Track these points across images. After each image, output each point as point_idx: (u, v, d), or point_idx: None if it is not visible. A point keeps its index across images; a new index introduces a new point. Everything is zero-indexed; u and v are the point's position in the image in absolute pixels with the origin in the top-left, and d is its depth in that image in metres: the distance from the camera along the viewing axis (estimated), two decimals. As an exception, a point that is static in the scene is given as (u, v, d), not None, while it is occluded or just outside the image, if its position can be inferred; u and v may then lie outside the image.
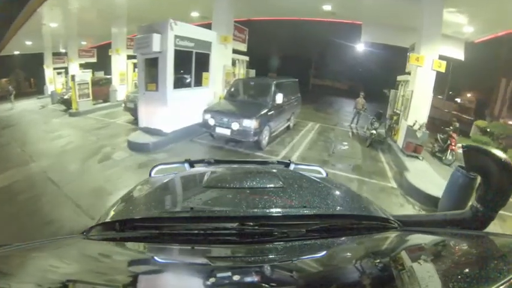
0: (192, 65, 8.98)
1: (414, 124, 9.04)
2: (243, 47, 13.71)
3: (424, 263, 1.05)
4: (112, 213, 1.50)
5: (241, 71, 14.16)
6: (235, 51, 12.76)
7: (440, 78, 9.21)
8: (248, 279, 0.96)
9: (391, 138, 11.35)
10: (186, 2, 13.68)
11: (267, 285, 0.90)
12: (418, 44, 9.40)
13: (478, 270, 0.94)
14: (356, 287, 0.98)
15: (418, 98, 9.24)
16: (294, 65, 33.44)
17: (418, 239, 1.41)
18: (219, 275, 1.00)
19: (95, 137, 9.46)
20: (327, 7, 12.31)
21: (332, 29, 22.92)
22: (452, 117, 12.69)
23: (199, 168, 2.32)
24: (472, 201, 1.52)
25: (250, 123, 7.43)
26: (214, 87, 10.38)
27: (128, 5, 14.23)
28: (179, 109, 8.56)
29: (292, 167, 2.51)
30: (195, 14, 15.26)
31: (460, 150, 8.96)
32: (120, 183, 5.85)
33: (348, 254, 1.31)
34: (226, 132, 7.68)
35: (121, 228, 1.33)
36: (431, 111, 9.73)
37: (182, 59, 8.60)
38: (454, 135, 9.85)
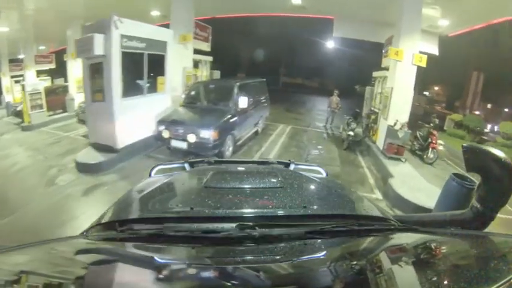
0: (143, 69, 7.86)
1: (395, 124, 8.29)
2: (205, 47, 12.66)
3: (424, 263, 1.10)
4: (112, 213, 1.53)
5: (204, 73, 13.07)
6: (197, 52, 11.77)
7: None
8: (248, 279, 0.98)
9: (370, 139, 10.65)
10: (145, 0, 12.58)
11: (267, 285, 0.96)
12: (396, 37, 8.68)
13: (478, 270, 0.94)
14: (356, 287, 0.98)
15: (398, 96, 8.49)
16: (264, 64, 33.22)
17: (418, 239, 1.42)
18: (219, 275, 1.06)
19: (44, 155, 8.25)
20: (297, 1, 11.50)
21: (303, 25, 22.62)
22: (432, 113, 12.29)
23: (199, 168, 2.34)
24: (472, 201, 1.51)
25: (209, 134, 6.42)
26: (173, 92, 9.28)
27: (83, 5, 12.83)
28: (131, 120, 7.43)
29: (292, 167, 2.49)
30: (155, 13, 14.13)
31: (441, 147, 8.89)
32: (55, 220, 4.76)
33: (348, 254, 1.29)
34: (183, 145, 6.64)
35: (121, 228, 1.33)
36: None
37: (131, 62, 7.48)
38: (435, 132, 9.32)
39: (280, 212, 1.41)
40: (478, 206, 1.46)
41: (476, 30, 11.97)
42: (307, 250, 1.27)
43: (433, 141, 9.03)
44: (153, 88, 8.29)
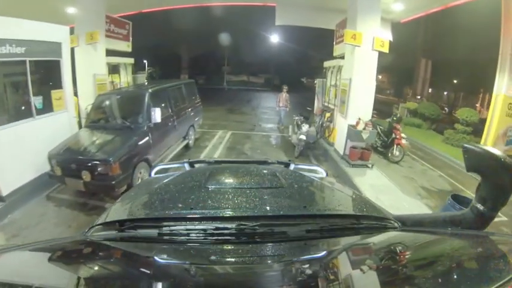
0: (28, 83, 5.82)
1: (358, 123, 6.88)
2: (125, 47, 10.51)
3: (424, 263, 1.11)
4: (112, 213, 1.55)
5: (124, 79, 10.89)
6: (115, 53, 9.78)
7: None
8: (248, 278, 1.03)
9: (326, 140, 9.26)
10: None
11: (267, 285, 1.00)
12: (351, 19, 7.33)
13: (478, 270, 0.98)
14: (356, 286, 0.97)
15: (359, 87, 7.15)
16: (207, 63, 32.43)
17: (418, 238, 1.44)
18: (219, 274, 1.09)
19: None
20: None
21: (245, 19, 21.54)
22: (393, 104, 11.48)
23: (199, 168, 2.34)
24: (472, 201, 1.51)
25: (107, 169, 4.57)
26: (80, 107, 7.31)
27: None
28: (17, 155, 5.42)
29: (292, 167, 2.49)
30: (72, 11, 11.88)
31: (405, 141, 8.04)
32: None
33: (348, 254, 1.29)
34: (79, 186, 4.80)
35: (121, 228, 1.34)
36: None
37: (6, 75, 5.47)
38: (398, 126, 8.20)
39: (280, 212, 1.42)
40: (478, 206, 1.46)
41: (429, 16, 11.79)
42: (307, 250, 1.29)
43: (398, 137, 7.96)
44: (47, 107, 6.26)
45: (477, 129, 10.24)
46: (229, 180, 1.83)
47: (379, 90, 30.51)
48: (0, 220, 5.02)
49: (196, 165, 2.46)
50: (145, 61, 11.19)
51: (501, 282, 0.76)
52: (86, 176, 4.62)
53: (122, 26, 10.27)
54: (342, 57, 8.22)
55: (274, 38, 20.68)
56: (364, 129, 6.77)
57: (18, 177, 5.53)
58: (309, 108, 9.65)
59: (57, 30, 6.52)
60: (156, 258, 1.20)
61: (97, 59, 8.56)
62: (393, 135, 8.07)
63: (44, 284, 0.94)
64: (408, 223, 1.52)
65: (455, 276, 0.93)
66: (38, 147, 5.74)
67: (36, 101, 6.00)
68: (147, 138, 5.52)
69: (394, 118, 8.48)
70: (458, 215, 1.57)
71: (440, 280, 0.91)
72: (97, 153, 4.76)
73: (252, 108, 18.66)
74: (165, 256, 1.24)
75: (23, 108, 5.86)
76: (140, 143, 5.34)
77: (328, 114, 9.27)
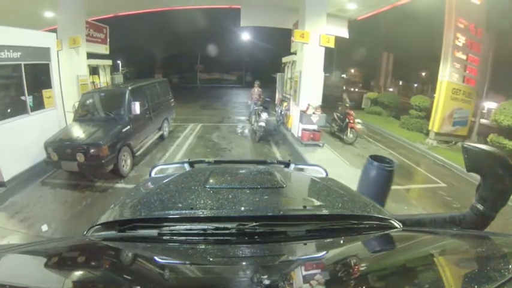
0: (23, 84, 6.74)
1: (308, 108, 8.11)
2: (103, 49, 11.43)
3: (424, 263, 1.10)
4: (112, 213, 1.53)
5: (103, 79, 11.84)
6: (95, 56, 10.61)
7: (326, 55, 8.48)
8: (248, 278, 0.99)
9: (285, 126, 10.46)
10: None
11: (267, 285, 0.92)
12: (301, 20, 8.49)
13: (478, 270, 0.98)
14: (356, 286, 0.98)
15: (308, 78, 8.32)
16: (180, 63, 32.61)
17: (418, 239, 1.42)
18: (219, 274, 1.09)
19: None
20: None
21: (213, 18, 22.32)
22: (343, 93, 12.62)
23: (198, 168, 2.32)
24: (472, 202, 1.52)
25: (98, 151, 5.66)
26: (67, 105, 8.19)
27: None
28: (16, 146, 6.34)
29: (292, 166, 2.50)
30: (49, 14, 12.46)
31: (360, 126, 8.94)
32: None
33: (348, 254, 1.28)
34: (73, 167, 5.83)
35: (121, 228, 1.32)
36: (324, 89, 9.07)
37: (6, 77, 6.36)
38: (351, 112, 9.36)
39: (280, 212, 1.40)
40: (478, 206, 1.47)
41: (382, 14, 12.62)
42: (307, 250, 1.28)
43: (351, 121, 9.08)
44: (40, 104, 7.19)
45: (430, 114, 10.78)
46: (229, 180, 1.79)
47: (352, 83, 32.09)
48: (3, 202, 5.87)
49: (196, 165, 2.45)
50: (119, 62, 11.68)
51: (501, 282, 0.77)
52: (80, 157, 5.63)
53: (100, 30, 11.11)
54: (296, 53, 9.36)
55: (246, 36, 21.35)
56: (313, 113, 7.98)
57: (16, 165, 6.38)
58: (267, 99, 10.46)
59: (46, 36, 7.44)
60: (156, 258, 1.20)
61: (79, 62, 9.30)
62: (347, 120, 9.17)
63: (44, 284, 0.94)
64: (408, 223, 1.51)
65: (455, 276, 0.93)
66: (33, 140, 6.64)
67: (28, 100, 6.94)
68: (128, 127, 6.58)
69: (347, 105, 9.71)
70: (458, 215, 1.57)
71: (440, 280, 0.92)
72: (89, 139, 5.80)
73: (223, 103, 19.46)
74: (165, 256, 1.23)
75: (18, 107, 6.79)
76: (123, 130, 6.40)
77: (285, 104, 10.54)
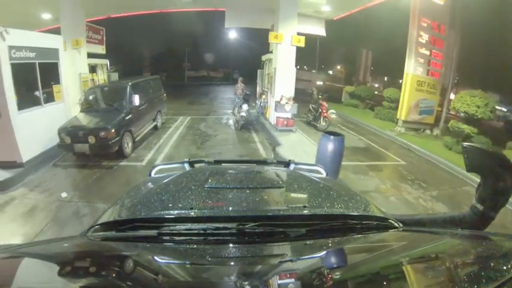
0: (37, 80, 7.88)
1: (281, 99, 9.41)
2: (101, 49, 12.56)
3: (424, 263, 1.09)
4: (112, 213, 1.52)
5: (101, 77, 12.83)
6: (93, 55, 11.63)
7: (311, 54, 9.75)
8: (248, 279, 0.97)
9: (264, 117, 11.70)
10: (34, 2, 11.80)
11: (267, 285, 0.92)
12: (276, 23, 9.75)
13: (478, 270, 0.95)
14: (356, 286, 0.98)
15: (281, 73, 9.60)
16: (168, 61, 33.37)
17: (418, 239, 1.43)
18: (219, 275, 1.05)
19: None
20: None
21: (199, 19, 23.31)
22: (313, 87, 13.83)
23: (198, 168, 2.33)
24: (473, 202, 1.54)
25: (107, 134, 6.90)
26: (71, 99, 9.23)
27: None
28: (32, 132, 7.39)
29: (292, 166, 2.47)
30: (46, 16, 13.38)
31: (333, 116, 10.01)
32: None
33: (348, 254, 1.32)
34: (85, 147, 7.03)
35: (121, 228, 1.32)
36: (306, 84, 10.30)
37: (24, 73, 7.45)
38: (324, 103, 10.55)
39: (281, 212, 1.42)
40: (478, 206, 1.47)
41: (356, 14, 13.66)
42: (307, 250, 1.27)
43: (324, 111, 10.25)
44: (50, 97, 8.32)
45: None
46: (230, 180, 1.81)
47: (336, 79, 33.54)
48: (22, 180, 6.86)
49: (196, 165, 2.46)
50: (107, 60, 12.51)
51: (501, 282, 0.76)
52: (92, 139, 6.80)
53: (97, 32, 12.22)
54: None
55: (232, 35, 22.28)
56: (286, 103, 9.32)
57: (31, 150, 7.40)
58: (248, 93, 11.31)
59: (55, 39, 8.57)
60: (156, 258, 1.20)
61: (81, 61, 10.38)
62: (320, 110, 10.42)
63: (44, 284, 0.95)
64: (408, 223, 1.51)
65: (455, 276, 0.93)
66: (45, 128, 7.69)
67: (42, 94, 8.08)
68: (130, 115, 7.82)
69: (320, 96, 11.04)
70: (458, 215, 1.57)
71: (440, 280, 0.93)
72: (99, 124, 7.01)
73: (210, 99, 20.52)
74: (165, 256, 1.23)
75: (35, 99, 7.93)
76: (126, 118, 7.62)
77: (264, 96, 11.91)
